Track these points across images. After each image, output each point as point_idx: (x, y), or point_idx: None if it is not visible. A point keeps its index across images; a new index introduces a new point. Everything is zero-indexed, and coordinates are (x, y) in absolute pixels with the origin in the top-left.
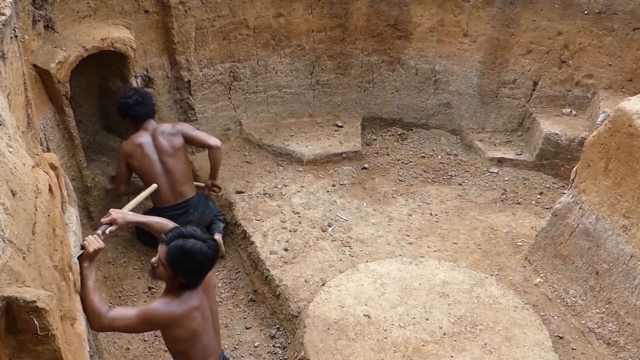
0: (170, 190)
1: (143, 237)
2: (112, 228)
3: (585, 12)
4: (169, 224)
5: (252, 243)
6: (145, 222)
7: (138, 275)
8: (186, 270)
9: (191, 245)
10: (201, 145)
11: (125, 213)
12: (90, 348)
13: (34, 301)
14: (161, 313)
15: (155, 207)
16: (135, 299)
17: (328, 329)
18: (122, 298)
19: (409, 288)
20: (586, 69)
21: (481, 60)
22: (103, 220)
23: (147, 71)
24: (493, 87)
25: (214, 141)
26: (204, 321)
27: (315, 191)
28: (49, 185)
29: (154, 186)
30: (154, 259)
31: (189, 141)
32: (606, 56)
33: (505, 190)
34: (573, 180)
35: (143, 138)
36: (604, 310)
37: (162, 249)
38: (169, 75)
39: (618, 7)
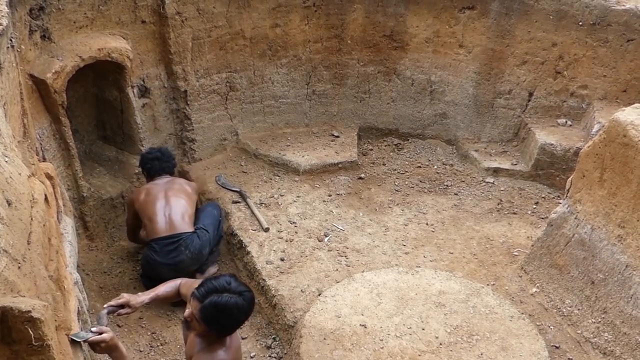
0: (164, 220)
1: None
2: (125, 311)
3: (580, 23)
4: (175, 282)
5: (248, 253)
6: (156, 295)
7: (134, 285)
8: (223, 326)
9: (226, 300)
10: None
11: (137, 295)
12: (84, 359)
13: (29, 311)
14: None
15: (147, 240)
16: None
17: (324, 339)
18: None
19: (405, 298)
20: (581, 80)
21: (477, 71)
22: (113, 302)
23: (143, 81)
24: (488, 98)
25: None
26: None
27: (311, 201)
28: (45, 195)
29: None
30: (186, 313)
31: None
32: (601, 67)
33: (501, 200)
34: (568, 190)
35: (152, 184)
36: (599, 319)
37: (195, 305)
38: (166, 85)
39: (612, 18)
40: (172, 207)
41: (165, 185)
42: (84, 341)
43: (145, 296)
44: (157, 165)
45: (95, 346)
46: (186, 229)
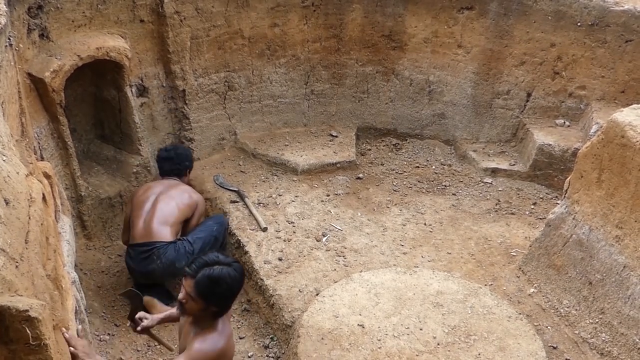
0: (143, 226)
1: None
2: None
3: (578, 24)
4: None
5: (246, 252)
6: (167, 315)
7: (131, 284)
8: (218, 298)
9: (218, 271)
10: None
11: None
12: None
13: (27, 310)
14: (211, 353)
15: (128, 243)
16: (128, 309)
17: (322, 338)
18: (116, 308)
19: (403, 298)
20: (579, 81)
21: (475, 71)
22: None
23: (142, 80)
24: (487, 98)
25: None
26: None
27: (309, 201)
28: (43, 194)
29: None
30: (180, 295)
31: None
32: (599, 68)
33: (499, 201)
34: (566, 190)
35: (156, 182)
36: (597, 320)
37: (188, 282)
38: (164, 85)
39: (610, 19)
40: (155, 213)
41: (163, 189)
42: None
43: (159, 317)
44: (167, 166)
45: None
46: (163, 238)
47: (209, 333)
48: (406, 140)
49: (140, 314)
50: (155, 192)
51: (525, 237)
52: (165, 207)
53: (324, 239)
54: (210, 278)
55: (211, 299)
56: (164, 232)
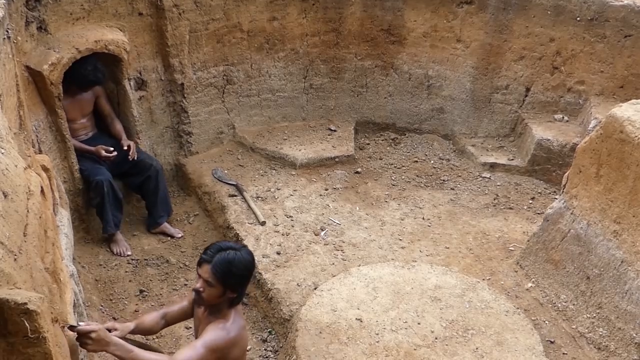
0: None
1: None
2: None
3: (578, 19)
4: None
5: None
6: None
7: (129, 278)
8: (236, 281)
9: (233, 254)
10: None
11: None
12: (81, 351)
13: (25, 303)
14: (225, 340)
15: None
16: (126, 302)
17: (320, 332)
18: (114, 301)
19: (401, 292)
20: (578, 76)
21: (474, 66)
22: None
23: (140, 74)
24: (486, 93)
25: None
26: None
27: (308, 195)
28: (41, 187)
29: None
30: (198, 285)
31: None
32: (598, 63)
33: (497, 195)
34: (564, 185)
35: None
36: (594, 315)
37: (204, 269)
38: (163, 78)
39: (610, 14)
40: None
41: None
42: (73, 330)
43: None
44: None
45: (84, 340)
46: None
47: (223, 322)
48: (405, 134)
49: (109, 324)
50: None
51: (523, 232)
52: None
53: (323, 233)
54: (226, 260)
55: (229, 281)
56: None
